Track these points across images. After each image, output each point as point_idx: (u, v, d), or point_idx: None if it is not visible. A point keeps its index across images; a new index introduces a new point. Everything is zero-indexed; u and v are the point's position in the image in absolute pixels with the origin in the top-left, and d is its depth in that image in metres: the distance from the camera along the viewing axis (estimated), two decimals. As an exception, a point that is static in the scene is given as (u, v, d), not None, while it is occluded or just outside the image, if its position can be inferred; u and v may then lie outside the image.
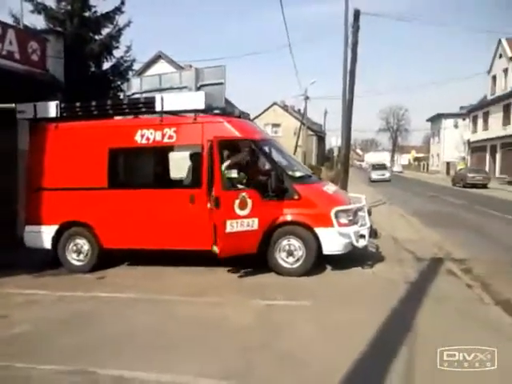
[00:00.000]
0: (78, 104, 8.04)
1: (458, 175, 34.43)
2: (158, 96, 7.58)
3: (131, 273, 7.66)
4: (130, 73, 13.89)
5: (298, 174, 7.63)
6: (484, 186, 30.07)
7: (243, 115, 8.52)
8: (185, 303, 5.88)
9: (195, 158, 7.47)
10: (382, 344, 4.51)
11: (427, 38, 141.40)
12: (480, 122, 45.67)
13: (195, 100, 7.31)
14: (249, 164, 7.39)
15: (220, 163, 6.92)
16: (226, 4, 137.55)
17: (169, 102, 7.43)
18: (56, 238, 7.79)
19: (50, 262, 8.00)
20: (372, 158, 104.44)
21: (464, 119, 54.10)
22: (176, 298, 6.08)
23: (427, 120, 67.37)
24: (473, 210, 17.14)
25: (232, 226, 6.78)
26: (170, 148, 7.71)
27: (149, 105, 7.58)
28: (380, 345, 4.48)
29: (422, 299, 5.81)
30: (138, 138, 7.54)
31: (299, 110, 58.97)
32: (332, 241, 7.00)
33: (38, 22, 12.62)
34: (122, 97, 13.25)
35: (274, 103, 53.53)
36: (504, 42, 39.27)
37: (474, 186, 29.95)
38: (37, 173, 7.97)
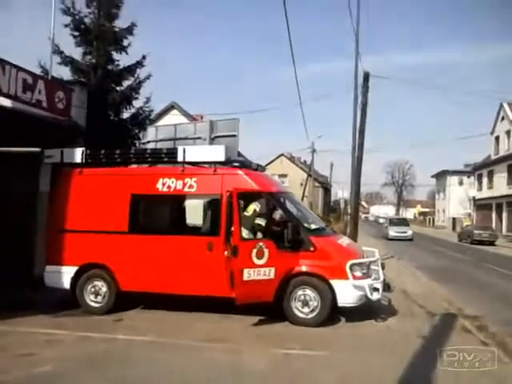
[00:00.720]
0: (102, 151, 8.44)
1: (465, 231, 34.46)
2: (180, 147, 8.01)
3: (147, 316, 7.74)
4: (148, 122, 14.40)
5: (313, 226, 7.90)
6: (491, 243, 30.04)
7: (260, 168, 8.85)
8: (203, 349, 5.96)
9: (214, 207, 7.73)
10: None
11: (433, 98, 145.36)
12: (485, 180, 46.22)
13: (216, 152, 7.72)
14: (267, 215, 7.64)
15: (239, 213, 7.20)
16: (235, 60, 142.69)
17: (190, 153, 7.85)
18: (75, 279, 7.96)
19: (66, 302, 8.10)
20: (377, 210, 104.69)
21: (469, 177, 54.74)
22: (194, 343, 6.17)
23: (432, 176, 68.22)
24: (480, 267, 17.18)
25: (249, 274, 6.98)
26: (190, 197, 8.02)
27: (171, 155, 7.99)
28: None
29: (438, 354, 5.82)
30: (159, 186, 7.86)
31: (305, 162, 59.96)
32: (347, 293, 7.13)
33: (65, 72, 13.27)
34: (138, 145, 13.72)
35: (282, 154, 54.48)
36: (506, 106, 40.53)
37: (480, 242, 29.95)
38: (59, 215, 8.26)
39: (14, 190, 10.33)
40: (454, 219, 55.14)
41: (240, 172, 7.76)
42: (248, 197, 7.64)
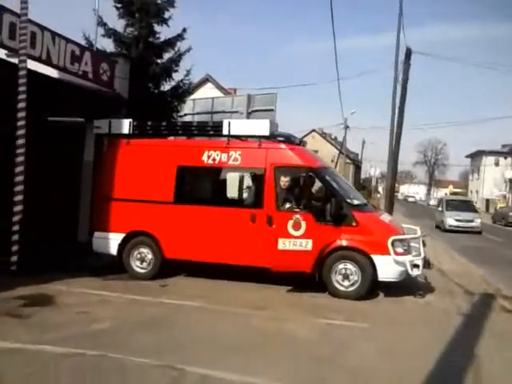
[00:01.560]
0: (149, 123, 8.66)
1: (499, 213, 33.84)
2: (225, 120, 8.14)
3: (190, 283, 8.04)
4: (187, 95, 14.52)
5: (356, 201, 7.95)
6: (527, 226, 29.35)
7: (302, 143, 8.91)
8: (248, 316, 6.18)
9: (258, 180, 7.92)
10: (445, 369, 4.70)
11: (472, 76, 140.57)
12: (523, 161, 44.86)
13: (260, 126, 7.85)
14: (307, 189, 7.81)
15: (278, 187, 7.50)
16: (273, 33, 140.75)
17: (236, 126, 7.97)
18: (122, 246, 8.29)
19: (112, 267, 8.47)
20: (408, 189, 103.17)
21: (506, 157, 53.25)
22: (239, 310, 6.40)
23: (467, 156, 66.59)
24: (516, 249, 16.89)
25: (284, 244, 7.32)
26: (235, 170, 8.21)
27: (216, 128, 8.15)
28: (442, 369, 4.67)
29: (479, 332, 5.94)
30: (205, 158, 8.03)
31: (336, 138, 59.40)
32: (388, 268, 7.24)
33: (107, 44, 13.47)
34: (176, 118, 13.89)
35: (313, 130, 54.08)
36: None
37: (515, 225, 29.30)
38: (108, 183, 8.55)
39: (60, 159, 10.73)
40: (487, 200, 54.02)
41: (284, 146, 7.85)
42: (291, 171, 7.78)
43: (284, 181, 7.63)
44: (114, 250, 8.34)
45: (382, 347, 5.23)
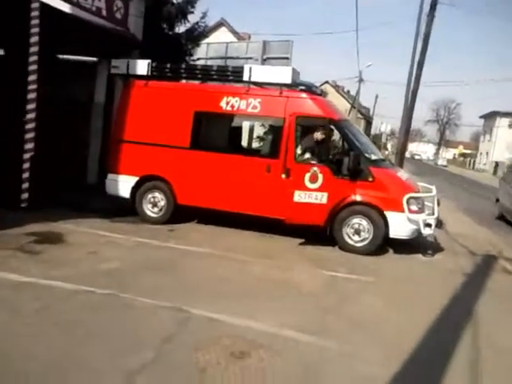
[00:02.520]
0: (168, 65, 8.44)
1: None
2: (246, 66, 7.90)
3: (199, 230, 8.12)
4: (202, 38, 14.12)
5: (373, 156, 7.85)
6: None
7: (323, 93, 8.71)
8: (255, 263, 6.28)
9: (276, 130, 7.81)
10: (447, 319, 4.90)
11: (493, 33, 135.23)
12: (538, 124, 44.04)
13: (282, 74, 7.56)
14: (326, 142, 7.62)
15: (297, 137, 7.39)
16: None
17: (257, 73, 7.71)
18: (135, 189, 8.29)
19: (121, 209, 8.55)
20: (416, 148, 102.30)
21: (520, 120, 52.24)
22: (245, 257, 6.48)
23: (480, 117, 65.37)
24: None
25: (300, 197, 7.31)
26: (253, 118, 8.10)
27: (237, 74, 7.90)
28: (445, 319, 4.87)
29: (481, 290, 6.07)
30: (223, 104, 7.85)
31: (348, 92, 58.27)
32: (401, 226, 7.23)
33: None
34: (189, 61, 13.56)
35: (326, 82, 52.95)
36: None
37: (524, 189, 29.06)
38: (123, 125, 8.43)
39: (71, 99, 10.61)
40: (496, 163, 53.46)
41: (305, 96, 7.65)
42: (311, 121, 7.65)
43: (304, 131, 7.54)
44: (126, 192, 8.33)
45: (385, 300, 5.34)
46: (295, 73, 7.63)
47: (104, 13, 10.11)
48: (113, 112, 10.08)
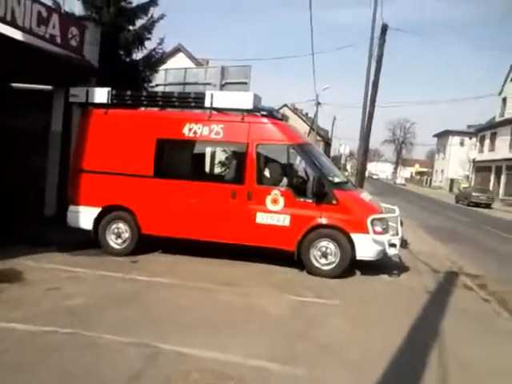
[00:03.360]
0: (128, 92, 8.37)
1: (462, 193, 34.88)
2: (208, 92, 7.94)
3: (162, 259, 7.95)
4: (160, 65, 14.08)
5: (336, 179, 7.96)
6: (487, 206, 30.51)
7: (284, 118, 8.82)
8: (220, 291, 6.19)
9: (239, 155, 7.85)
10: (414, 339, 4.95)
11: (441, 56, 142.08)
12: (487, 142, 46.18)
13: (244, 100, 7.66)
14: (288, 165, 7.69)
15: (259, 162, 7.49)
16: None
17: (218, 99, 7.76)
18: (98, 220, 8.06)
19: (81, 242, 8.27)
20: (375, 167, 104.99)
21: (471, 138, 54.67)
22: (210, 286, 6.39)
23: (434, 135, 67.92)
24: (478, 228, 17.63)
25: (262, 218, 7.38)
26: (216, 144, 8.15)
27: (198, 100, 7.90)
28: (412, 339, 4.92)
29: (444, 308, 6.18)
30: (185, 130, 7.84)
31: (307, 114, 59.43)
32: (366, 247, 7.31)
33: (76, 7, 12.83)
34: (148, 88, 13.48)
35: (285, 105, 53.77)
36: (517, 67, 39.71)
37: (477, 205, 30.38)
38: (83, 155, 8.26)
39: (26, 128, 10.30)
40: (451, 180, 55.54)
41: (267, 121, 7.73)
42: (273, 146, 7.71)
43: (266, 156, 7.62)
44: (89, 224, 8.10)
45: (352, 323, 5.36)
46: (256, 98, 7.73)
47: (58, 40, 9.95)
48: (71, 141, 9.85)
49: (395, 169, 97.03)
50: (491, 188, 39.14)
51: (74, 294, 5.59)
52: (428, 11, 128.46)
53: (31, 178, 10.35)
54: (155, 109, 8.97)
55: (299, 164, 7.81)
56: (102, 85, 9.00)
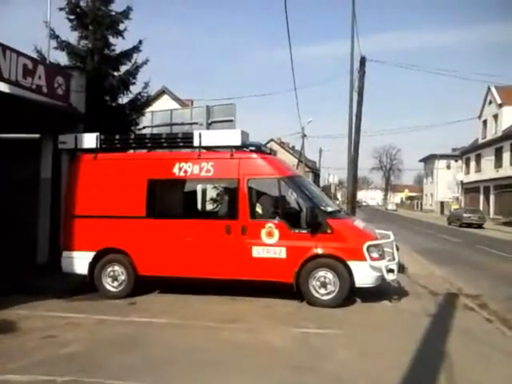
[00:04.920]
0: (117, 136, 8.49)
1: (454, 215, 35.03)
2: (196, 132, 8.07)
3: (160, 299, 7.85)
4: (146, 108, 14.29)
5: (329, 208, 7.99)
6: (479, 226, 30.63)
7: (272, 152, 8.94)
8: (222, 329, 6.09)
9: (231, 191, 7.90)
10: (421, 363, 4.89)
11: (423, 83, 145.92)
12: (473, 163, 46.83)
13: (232, 137, 7.79)
14: (280, 198, 7.72)
15: (251, 196, 7.54)
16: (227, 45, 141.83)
17: (207, 137, 7.90)
18: (93, 264, 7.99)
19: (77, 287, 8.18)
20: (365, 195, 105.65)
21: (456, 160, 55.42)
22: (211, 324, 6.29)
23: (420, 160, 68.79)
24: (473, 249, 17.63)
25: (258, 252, 7.37)
26: (208, 181, 8.18)
27: (187, 139, 8.04)
28: (419, 363, 4.86)
29: (449, 331, 6.11)
30: (176, 170, 7.91)
31: (293, 147, 60.13)
32: (364, 274, 7.29)
33: (61, 57, 13.08)
34: (134, 131, 13.62)
35: (271, 140, 54.50)
36: (493, 90, 40.80)
37: (469, 225, 30.51)
38: (75, 200, 8.27)
39: (15, 177, 10.30)
40: (442, 203, 56.00)
41: (256, 156, 7.84)
42: (264, 180, 7.78)
43: (258, 190, 7.67)
44: (84, 269, 8.03)
45: (357, 352, 5.28)
46: (244, 134, 7.85)
47: (45, 90, 10.09)
48: (61, 187, 9.85)
49: (385, 195, 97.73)
50: (481, 208, 39.46)
51: (72, 341, 5.47)
52: (406, 42, 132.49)
53: (22, 225, 10.26)
54: (144, 151, 9.05)
55: (291, 196, 7.86)
56: (89, 130, 9.10)
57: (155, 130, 13.87)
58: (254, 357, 5.05)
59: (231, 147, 7.86)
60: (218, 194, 8.37)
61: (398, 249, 8.10)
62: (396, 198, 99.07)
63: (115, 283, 7.97)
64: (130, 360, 4.89)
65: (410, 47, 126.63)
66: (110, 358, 4.94)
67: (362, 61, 15.47)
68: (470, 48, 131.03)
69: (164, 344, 5.49)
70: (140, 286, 8.01)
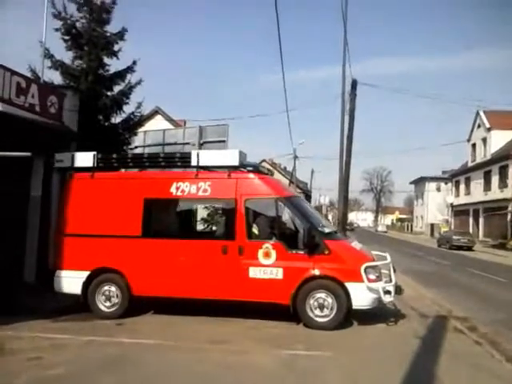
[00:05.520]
0: (114, 155, 8.49)
1: (444, 237, 35.23)
2: (194, 151, 8.08)
3: (149, 320, 7.78)
4: (138, 127, 14.37)
5: (326, 229, 7.95)
6: (469, 249, 30.79)
7: (270, 172, 8.98)
8: (208, 350, 6.03)
9: (228, 211, 7.86)
10: None
11: (412, 107, 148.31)
12: (462, 186, 47.34)
13: (230, 157, 7.80)
14: (278, 219, 7.70)
15: (248, 216, 7.56)
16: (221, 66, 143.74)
17: (204, 157, 7.90)
18: (86, 284, 7.88)
19: (64, 307, 8.06)
20: (356, 217, 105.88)
21: (446, 183, 56.03)
22: (198, 345, 6.23)
23: (411, 183, 69.43)
24: (462, 271, 17.73)
25: (255, 273, 7.32)
26: (205, 201, 8.15)
27: (184, 159, 8.05)
28: None
29: (439, 354, 6.10)
30: (173, 190, 7.89)
31: (285, 168, 60.43)
32: (362, 296, 7.24)
33: (55, 77, 13.17)
34: (127, 150, 13.66)
35: (263, 160, 54.69)
36: (481, 114, 41.56)
37: (459, 248, 30.67)
38: (70, 218, 8.19)
39: (3, 194, 10.22)
40: (432, 225, 56.34)
41: (253, 176, 7.86)
42: (262, 200, 7.79)
43: (255, 210, 7.68)
44: (77, 288, 7.91)
45: (346, 375, 5.24)
46: (242, 155, 7.86)
47: (37, 108, 10.15)
48: (51, 206, 9.81)
49: (376, 217, 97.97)
50: (471, 231, 39.73)
51: (58, 363, 5.38)
52: (396, 67, 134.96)
53: (11, 243, 10.15)
54: (137, 169, 9.03)
55: (288, 216, 7.81)
56: (82, 149, 9.11)
57: (147, 150, 13.94)
58: (242, 380, 4.98)
59: (229, 167, 7.87)
60: (215, 214, 8.36)
61: (394, 270, 8.06)
62: (387, 219, 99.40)
63: (109, 303, 7.86)
64: (116, 382, 4.82)
65: (397, 72, 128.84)
66: (97, 380, 4.86)
67: (354, 84, 15.73)
68: (460, 73, 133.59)
69: (151, 366, 5.41)
70: (133, 306, 7.90)
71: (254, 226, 7.67)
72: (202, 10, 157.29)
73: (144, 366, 5.36)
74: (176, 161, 8.27)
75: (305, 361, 5.71)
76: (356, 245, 8.28)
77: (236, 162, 7.75)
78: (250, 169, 8.03)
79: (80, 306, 7.96)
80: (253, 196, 7.69)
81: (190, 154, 8.02)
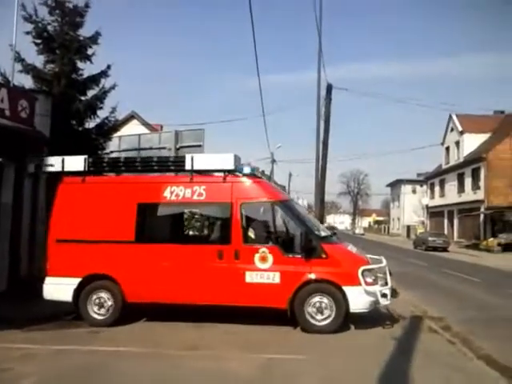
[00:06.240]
0: (106, 159, 8.32)
1: (419, 239, 35.79)
2: (188, 155, 7.93)
3: (128, 327, 7.63)
4: (113, 132, 14.18)
5: (322, 233, 7.94)
6: (444, 250, 31.35)
7: (265, 176, 8.93)
8: (185, 357, 5.95)
9: (224, 215, 7.77)
10: None
11: (387, 111, 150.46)
12: (437, 188, 48.23)
13: (225, 160, 7.70)
14: (273, 222, 7.64)
15: (244, 220, 7.48)
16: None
17: (199, 161, 7.77)
18: (78, 291, 7.68)
19: (36, 317, 7.83)
20: (333, 219, 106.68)
21: (421, 185, 57.02)
22: (175, 352, 6.14)
23: (387, 185, 70.43)
24: (438, 272, 18.01)
25: (251, 277, 7.25)
26: (200, 205, 8.04)
27: (178, 163, 7.92)
28: None
29: (413, 354, 6.16)
30: (167, 194, 7.76)
31: (263, 172, 60.51)
32: (359, 299, 7.23)
33: (26, 81, 12.93)
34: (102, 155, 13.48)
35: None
36: (454, 118, 42.52)
37: (434, 249, 31.21)
38: (61, 224, 7.95)
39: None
40: (408, 227, 57.22)
41: (249, 180, 7.79)
42: (257, 204, 7.76)
43: (251, 214, 7.63)
44: (68, 296, 7.67)
45: (323, 377, 5.26)
46: (237, 158, 7.78)
47: (7, 113, 9.91)
48: (22, 212, 9.59)
49: (353, 220, 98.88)
50: (446, 232, 40.47)
51: (28, 374, 5.22)
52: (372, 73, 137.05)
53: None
54: (131, 174, 8.77)
55: (284, 220, 7.78)
56: (54, 154, 8.92)
57: (123, 155, 13.80)
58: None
59: (224, 171, 7.79)
60: (210, 219, 8.28)
61: (390, 273, 8.06)
62: (364, 222, 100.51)
63: (101, 310, 7.66)
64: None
65: (372, 77, 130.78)
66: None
67: (329, 88, 15.91)
68: (434, 79, 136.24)
69: (124, 375, 5.31)
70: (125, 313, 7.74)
71: (250, 230, 7.62)
72: (177, 16, 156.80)
73: (116, 377, 5.25)
74: (169, 165, 8.12)
75: (283, 365, 5.67)
76: (352, 248, 8.27)
77: (231, 166, 7.66)
78: (246, 172, 7.90)
79: (53, 315, 7.76)
80: (249, 200, 7.62)
81: (184, 157, 7.88)
